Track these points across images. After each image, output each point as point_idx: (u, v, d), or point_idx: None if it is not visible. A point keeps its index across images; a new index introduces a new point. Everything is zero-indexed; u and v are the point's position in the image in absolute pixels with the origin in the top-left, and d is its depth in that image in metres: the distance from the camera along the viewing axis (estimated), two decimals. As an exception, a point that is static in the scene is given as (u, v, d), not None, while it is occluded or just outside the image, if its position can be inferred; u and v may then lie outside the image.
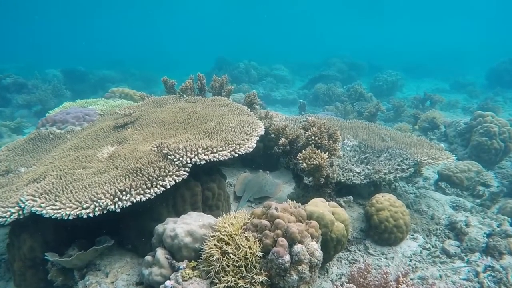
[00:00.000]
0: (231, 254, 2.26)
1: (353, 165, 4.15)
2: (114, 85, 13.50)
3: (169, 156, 2.80)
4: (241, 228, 2.45)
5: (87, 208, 2.39)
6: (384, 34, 43.13)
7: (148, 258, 2.52)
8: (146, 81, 16.76)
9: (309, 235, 2.34)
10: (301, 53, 28.08)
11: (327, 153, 3.30)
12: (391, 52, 28.73)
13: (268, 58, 21.98)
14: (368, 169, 4.03)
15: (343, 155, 4.31)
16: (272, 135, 3.95)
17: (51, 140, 4.08)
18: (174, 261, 2.47)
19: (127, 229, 2.92)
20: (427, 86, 17.41)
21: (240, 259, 2.25)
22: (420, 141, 4.57)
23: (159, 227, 2.61)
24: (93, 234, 2.96)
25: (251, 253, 2.25)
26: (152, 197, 2.58)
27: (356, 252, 3.41)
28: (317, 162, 3.13)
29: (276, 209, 2.48)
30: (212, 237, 2.43)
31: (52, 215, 2.39)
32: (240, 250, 2.26)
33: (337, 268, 3.18)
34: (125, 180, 2.62)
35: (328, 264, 3.10)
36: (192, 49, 36.21)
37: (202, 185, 3.03)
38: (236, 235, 2.39)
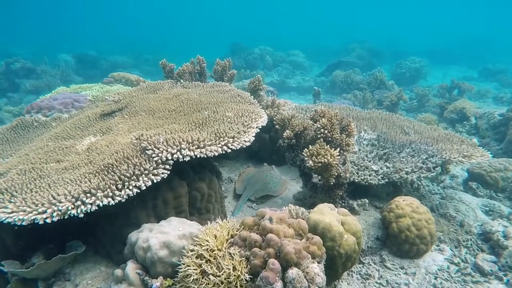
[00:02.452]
0: (211, 276, 1.82)
1: (370, 161, 3.62)
2: (126, 71, 13.23)
3: (147, 151, 2.37)
4: (226, 242, 2.00)
5: (43, 212, 2.00)
6: (406, 18, 40.95)
7: (118, 272, 2.11)
8: (159, 66, 16.38)
9: (309, 255, 1.87)
10: (320, 38, 26.99)
11: (339, 149, 2.79)
12: (414, 37, 27.22)
13: (285, 43, 21.19)
14: (387, 167, 3.49)
15: (359, 149, 3.79)
16: (277, 126, 3.46)
17: (35, 128, 3.73)
18: (147, 277, 2.05)
19: (102, 233, 2.53)
20: (453, 74, 16.30)
21: (222, 282, 1.81)
22: (448, 135, 3.97)
23: (132, 236, 2.20)
24: (65, 237, 2.59)
25: (235, 275, 1.81)
26: (124, 200, 2.16)
27: (370, 264, 2.92)
28: (326, 160, 2.64)
29: (270, 219, 2.01)
30: (191, 251, 2.00)
31: (4, 220, 2.01)
32: (222, 271, 1.82)
33: (347, 284, 2.72)
34: (93, 179, 2.21)
35: (336, 280, 2.63)
36: (207, 34, 35.54)
37: (189, 184, 2.59)
38: (220, 250, 1.96)
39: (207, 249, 1.96)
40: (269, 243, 1.85)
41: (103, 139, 2.90)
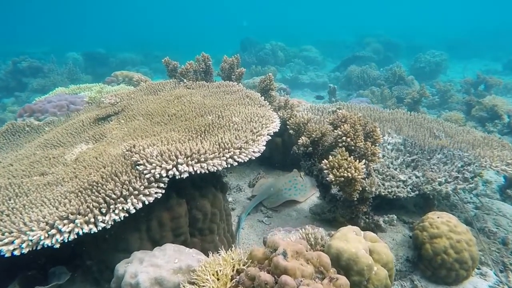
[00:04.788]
0: (211, 328, 1.46)
1: (396, 169, 3.20)
2: (135, 69, 13.00)
3: (138, 166, 2.01)
4: (231, 280, 1.63)
5: (10, 243, 1.66)
6: (422, 9, 39.50)
7: (102, 312, 1.78)
8: (168, 64, 16.08)
9: (335, 303, 1.48)
10: (333, 32, 26.25)
11: (363, 160, 2.38)
12: (431, 30, 26.13)
13: (297, 38, 20.63)
14: (417, 177, 3.07)
15: (383, 156, 3.36)
16: (291, 131, 3.07)
17: (27, 133, 3.43)
18: (137, 321, 1.70)
19: (88, 259, 2.20)
20: (474, 67, 15.51)
21: (225, 337, 1.44)
22: (486, 138, 3.50)
23: (120, 267, 1.85)
24: (51, 260, 2.27)
25: (241, 329, 1.44)
26: (109, 227, 1.81)
27: (400, 292, 2.52)
28: (350, 175, 2.23)
29: (285, 254, 1.63)
30: (187, 292, 1.64)
31: (-34, 251, 1.69)
32: (225, 323, 1.46)
33: (374, 317, 2.31)
34: (74, 200, 1.86)
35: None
36: (219, 30, 35.13)
37: (189, 202, 2.23)
38: (223, 292, 1.59)
39: (206, 290, 1.60)
40: None
41: (93, 148, 2.57)
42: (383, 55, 15.33)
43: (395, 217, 2.81)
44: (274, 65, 14.07)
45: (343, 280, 1.57)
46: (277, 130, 2.68)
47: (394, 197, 2.83)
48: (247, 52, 14.74)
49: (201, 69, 3.84)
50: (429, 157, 3.34)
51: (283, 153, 4.02)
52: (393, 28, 24.57)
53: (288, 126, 3.04)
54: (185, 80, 3.63)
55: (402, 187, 2.94)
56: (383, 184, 2.89)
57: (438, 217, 2.64)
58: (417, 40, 20.64)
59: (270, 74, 3.80)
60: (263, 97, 3.27)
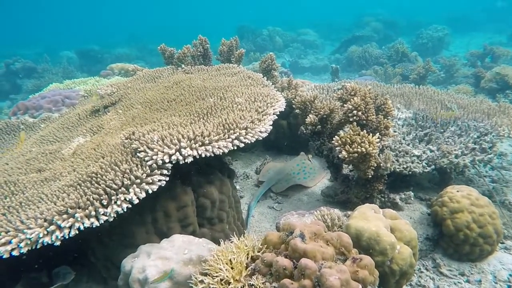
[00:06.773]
0: (228, 320, 1.35)
1: (408, 145, 3.05)
2: (131, 63, 12.77)
3: (139, 153, 1.88)
4: (246, 269, 1.51)
5: (7, 243, 1.54)
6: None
7: (111, 310, 1.67)
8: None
9: (360, 285, 1.36)
10: (330, 14, 25.75)
11: (377, 134, 2.24)
12: (430, 6, 25.61)
13: (294, 22, 20.25)
14: (431, 151, 2.92)
15: (394, 131, 3.21)
16: (297, 110, 2.92)
17: (22, 131, 3.31)
18: (148, 317, 1.59)
19: (93, 257, 2.09)
20: (478, 41, 15.13)
21: (244, 329, 1.33)
22: (502, 107, 3.34)
23: (127, 263, 1.74)
24: (57, 260, 2.17)
25: (260, 320, 1.32)
26: (112, 219, 1.69)
27: (422, 272, 2.41)
28: (363, 150, 2.09)
29: (302, 236, 1.50)
30: (200, 283, 1.52)
31: (-39, 255, 1.58)
32: (243, 315, 1.34)
33: (397, 298, 2.20)
34: (72, 194, 1.74)
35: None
36: (214, 20, 34.56)
37: (195, 190, 2.10)
38: (238, 281, 1.47)
39: (220, 280, 1.48)
40: (303, 272, 1.35)
41: (91, 140, 2.44)
42: (383, 34, 14.97)
43: (412, 194, 2.68)
44: (272, 50, 13.80)
45: (367, 260, 1.45)
46: (283, 110, 2.53)
47: (410, 172, 2.69)
48: (245, 40, 14.46)
49: (199, 53, 3.68)
50: (442, 130, 3.19)
51: (289, 136, 3.88)
52: (392, 6, 24.04)
53: (294, 106, 2.89)
54: (183, 66, 3.48)
55: (417, 162, 2.80)
56: (397, 160, 2.75)
57: (457, 191, 2.51)
58: (417, 17, 20.18)
59: (271, 53, 3.64)
60: (265, 78, 3.12)
